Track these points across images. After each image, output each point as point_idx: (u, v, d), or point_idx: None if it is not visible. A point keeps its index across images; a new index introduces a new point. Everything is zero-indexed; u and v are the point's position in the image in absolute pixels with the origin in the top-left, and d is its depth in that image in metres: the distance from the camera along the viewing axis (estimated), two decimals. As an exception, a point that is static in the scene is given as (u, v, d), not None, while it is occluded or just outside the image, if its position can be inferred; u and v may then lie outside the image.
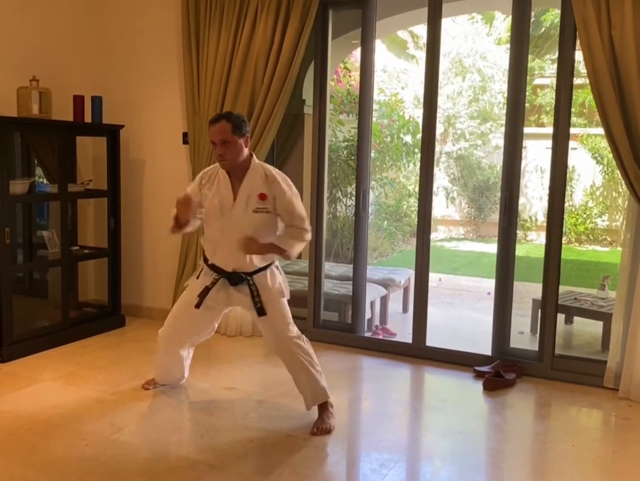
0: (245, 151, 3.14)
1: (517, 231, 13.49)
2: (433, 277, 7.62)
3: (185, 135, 4.70)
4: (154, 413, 3.27)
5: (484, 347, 4.18)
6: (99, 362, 4.02)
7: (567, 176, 11.31)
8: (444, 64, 11.17)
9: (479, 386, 3.80)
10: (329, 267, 5.76)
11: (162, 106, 4.83)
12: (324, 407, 3.19)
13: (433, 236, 12.19)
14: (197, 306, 3.21)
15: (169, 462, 2.76)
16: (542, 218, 12.01)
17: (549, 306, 3.95)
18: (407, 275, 5.83)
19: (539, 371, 3.94)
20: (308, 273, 4.60)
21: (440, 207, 11.95)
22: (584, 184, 11.54)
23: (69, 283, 4.48)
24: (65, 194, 4.34)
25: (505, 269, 4.08)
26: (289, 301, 3.33)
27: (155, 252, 4.99)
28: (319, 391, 3.18)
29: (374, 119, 8.15)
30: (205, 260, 3.29)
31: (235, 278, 3.17)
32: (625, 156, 3.46)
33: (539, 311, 5.24)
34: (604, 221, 11.41)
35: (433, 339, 4.30)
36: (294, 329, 3.24)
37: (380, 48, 10.09)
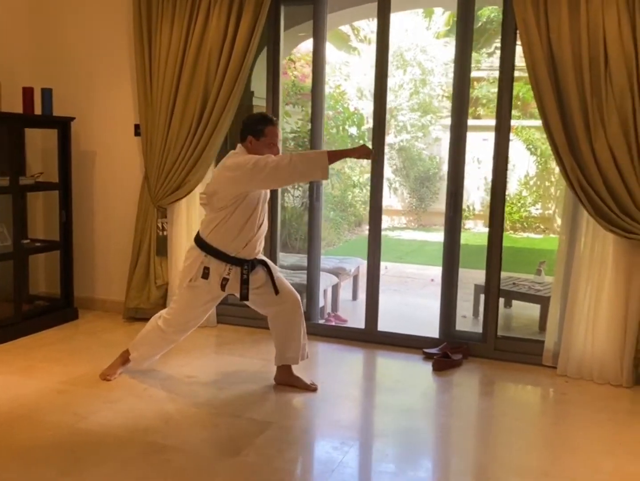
0: None
1: (444, 218, 13.67)
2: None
3: (137, 127, 4.72)
4: (118, 401, 3.32)
5: (432, 330, 4.40)
6: (55, 355, 4.02)
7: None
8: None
9: (428, 367, 4.01)
10: (281, 257, 5.86)
11: (113, 97, 4.82)
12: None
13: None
14: (221, 289, 3.38)
15: (138, 447, 2.83)
16: (479, 207, 12.46)
17: (492, 291, 4.19)
18: (356, 264, 6.02)
19: (483, 352, 4.18)
20: (262, 262, 4.70)
21: (383, 197, 12.21)
22: (518, 175, 12.02)
23: (21, 276, 4.45)
24: (15, 187, 4.30)
25: (451, 256, 4.30)
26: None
27: (107, 244, 4.99)
28: (306, 348, 3.61)
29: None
30: (220, 256, 3.32)
31: (254, 264, 3.39)
32: (561, 149, 3.71)
33: (481, 295, 5.56)
34: (537, 209, 11.93)
35: (383, 325, 4.49)
36: None
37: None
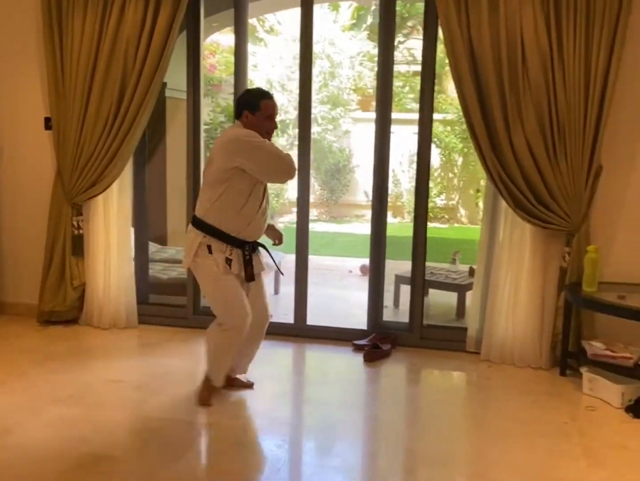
0: None
1: (366, 212, 13.89)
2: (293, 258, 7.90)
3: (47, 120, 4.45)
4: (42, 412, 3.14)
5: (357, 322, 4.46)
6: (-35, 364, 3.75)
7: (409, 159, 11.95)
8: (294, 50, 11.37)
9: (358, 358, 4.06)
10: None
11: (21, 89, 4.52)
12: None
13: (288, 218, 12.46)
14: (229, 269, 3.21)
15: (74, 460, 2.69)
16: (389, 200, 12.72)
17: (418, 281, 4.29)
18: (278, 258, 5.97)
19: (410, 341, 4.28)
20: (186, 259, 4.58)
21: (294, 189, 12.23)
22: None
23: None
24: None
25: (378, 248, 4.36)
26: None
27: (16, 245, 4.69)
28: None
29: (230, 102, 8.18)
30: (221, 236, 3.18)
31: (254, 246, 3.33)
32: (482, 143, 3.84)
33: (401, 286, 5.70)
34: (442, 200, 12.33)
35: (309, 318, 4.49)
36: None
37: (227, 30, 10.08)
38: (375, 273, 4.39)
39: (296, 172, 3.25)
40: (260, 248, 3.39)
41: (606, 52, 3.61)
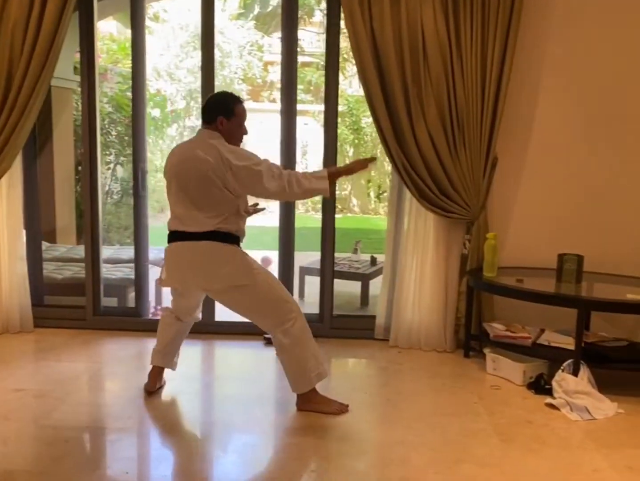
0: None
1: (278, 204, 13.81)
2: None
3: None
4: None
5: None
6: None
7: (302, 150, 12.00)
8: (182, 38, 11.08)
9: (270, 352, 4.02)
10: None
11: None
12: None
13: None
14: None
15: (-21, 478, 2.49)
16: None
17: (327, 272, 4.33)
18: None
19: (321, 331, 4.29)
20: (84, 257, 4.36)
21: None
22: (316, 158, 12.50)
23: None
24: None
25: (287, 241, 4.35)
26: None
27: None
28: None
29: (117, 91, 7.84)
30: (237, 240, 3.12)
31: None
32: (387, 134, 3.92)
33: (305, 277, 5.74)
34: (335, 190, 12.53)
35: (218, 314, 4.40)
36: None
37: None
38: (285, 265, 4.38)
39: (301, 195, 3.17)
40: None
41: (500, 47, 3.79)
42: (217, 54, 11.54)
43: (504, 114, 3.90)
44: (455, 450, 2.82)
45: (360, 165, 3.22)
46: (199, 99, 11.58)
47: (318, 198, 11.29)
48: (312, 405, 3.17)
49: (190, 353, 4.08)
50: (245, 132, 3.16)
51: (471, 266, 4.04)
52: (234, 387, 3.57)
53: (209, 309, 4.34)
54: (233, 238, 3.08)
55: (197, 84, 11.18)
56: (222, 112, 3.04)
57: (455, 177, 3.94)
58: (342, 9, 3.88)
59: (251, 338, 4.25)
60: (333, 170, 3.20)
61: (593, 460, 2.75)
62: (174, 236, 3.08)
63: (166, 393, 3.38)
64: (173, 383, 3.48)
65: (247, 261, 3.11)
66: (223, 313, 4.42)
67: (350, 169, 3.23)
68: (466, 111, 3.87)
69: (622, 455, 2.80)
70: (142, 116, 4.32)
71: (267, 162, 3.01)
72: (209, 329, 4.31)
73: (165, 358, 3.41)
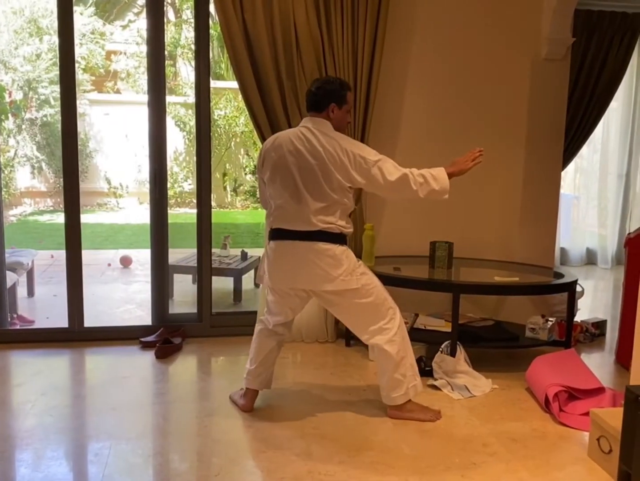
0: None
1: (110, 200, 13.27)
2: (44, 255, 7.19)
3: None
4: None
5: (136, 317, 4.23)
6: None
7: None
8: (17, 23, 10.19)
9: (148, 356, 3.86)
10: None
11: None
12: None
13: (20, 210, 11.25)
14: None
15: None
16: (133, 185, 12.22)
17: (205, 270, 4.21)
18: (31, 256, 5.38)
19: (201, 331, 4.20)
20: None
21: (25, 178, 11.07)
22: (168, 151, 12.13)
23: None
24: None
25: (160, 239, 4.17)
26: None
27: None
28: None
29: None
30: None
31: None
32: (264, 129, 3.89)
33: (174, 275, 5.56)
34: (190, 185, 12.23)
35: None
36: None
37: None
38: (158, 265, 4.19)
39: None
40: None
41: (370, 41, 3.89)
42: (57, 41, 10.80)
43: (375, 109, 4.01)
44: (355, 438, 2.87)
45: (469, 162, 2.99)
46: (39, 90, 10.88)
47: (187, 192, 10.90)
48: (405, 413, 3.06)
49: (58, 364, 3.80)
50: (350, 121, 3.10)
51: (349, 256, 4.12)
52: (103, 395, 3.32)
53: (76, 315, 4.05)
54: (343, 238, 2.93)
55: (35, 73, 10.38)
56: (335, 99, 2.90)
57: (331, 169, 3.99)
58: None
59: (127, 343, 4.03)
60: (449, 170, 2.97)
61: (480, 436, 2.92)
62: (286, 234, 2.90)
63: (41, 411, 3.10)
64: (45, 398, 3.20)
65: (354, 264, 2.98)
66: (93, 319, 4.18)
67: (463, 167, 2.99)
68: (339, 105, 3.92)
69: (505, 428, 3.00)
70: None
71: (384, 157, 2.89)
72: (78, 337, 4.03)
73: (259, 379, 3.16)
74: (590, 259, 7.30)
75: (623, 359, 3.83)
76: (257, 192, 3.61)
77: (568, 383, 3.16)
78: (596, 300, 5.83)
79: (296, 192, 2.84)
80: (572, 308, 3.85)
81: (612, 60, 5.67)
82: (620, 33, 5.67)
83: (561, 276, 3.95)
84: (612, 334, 4.50)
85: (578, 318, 4.45)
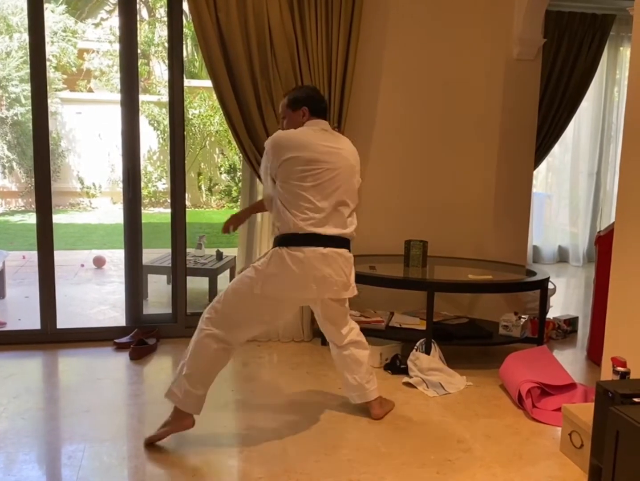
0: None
1: (83, 199, 13.10)
2: (15, 256, 7.08)
3: None
4: None
5: (109, 319, 4.18)
6: None
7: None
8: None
9: (122, 357, 3.82)
10: None
11: None
12: None
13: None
14: None
15: None
16: (107, 185, 12.10)
17: (180, 270, 4.19)
18: (2, 257, 5.30)
19: (175, 332, 4.16)
20: None
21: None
22: (142, 150, 12.02)
23: None
24: None
25: (134, 239, 4.13)
26: None
27: None
28: None
29: None
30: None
31: None
32: (238, 128, 3.88)
33: (148, 275, 5.51)
34: (164, 184, 12.14)
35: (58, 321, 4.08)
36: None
37: None
38: (132, 266, 4.16)
39: None
40: None
41: (344, 40, 3.90)
42: (27, 39, 10.63)
43: (349, 107, 4.02)
44: (330, 437, 2.88)
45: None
46: (10, 88, 10.70)
47: (161, 192, 10.75)
48: (385, 408, 3.12)
49: (30, 366, 3.74)
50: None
51: (324, 256, 4.12)
52: (79, 398, 3.27)
53: (49, 316, 4.00)
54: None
55: (5, 71, 10.20)
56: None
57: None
58: (186, -2, 3.75)
59: (101, 344, 3.99)
60: None
61: (455, 432, 2.95)
62: (322, 240, 2.67)
63: (15, 415, 3.05)
64: (17, 401, 3.16)
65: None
66: (67, 320, 4.13)
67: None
68: (314, 104, 3.92)
69: (479, 425, 3.04)
70: None
71: None
72: (51, 338, 3.98)
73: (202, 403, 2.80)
74: (562, 257, 7.41)
75: (594, 355, 3.90)
76: (261, 193, 3.54)
77: (541, 379, 3.20)
78: (568, 297, 5.92)
79: (334, 194, 2.67)
80: (544, 305, 3.90)
81: (582, 61, 5.77)
82: (590, 34, 5.78)
83: (534, 273, 4.00)
84: (583, 331, 4.57)
85: (550, 315, 4.53)
